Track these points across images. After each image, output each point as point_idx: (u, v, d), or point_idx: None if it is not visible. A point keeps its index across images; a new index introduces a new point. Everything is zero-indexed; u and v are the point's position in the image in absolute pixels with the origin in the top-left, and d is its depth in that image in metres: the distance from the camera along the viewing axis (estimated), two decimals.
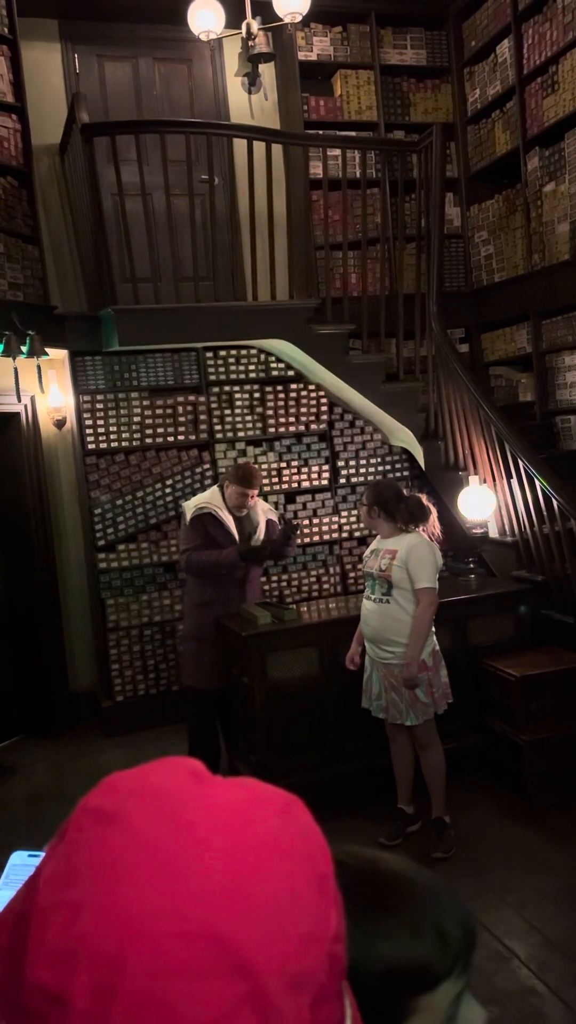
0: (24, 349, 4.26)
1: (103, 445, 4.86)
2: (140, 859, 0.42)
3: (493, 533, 4.46)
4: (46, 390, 4.84)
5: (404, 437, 5.15)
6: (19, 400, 4.62)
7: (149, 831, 0.43)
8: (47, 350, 4.39)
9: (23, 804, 4.06)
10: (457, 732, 3.74)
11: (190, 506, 3.93)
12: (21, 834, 3.70)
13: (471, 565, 4.29)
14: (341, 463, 5.30)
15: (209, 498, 3.94)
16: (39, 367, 4.49)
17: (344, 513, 5.29)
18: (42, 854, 0.47)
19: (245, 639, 3.75)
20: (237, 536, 3.88)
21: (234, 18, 4.37)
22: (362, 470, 5.33)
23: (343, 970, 0.43)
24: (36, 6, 5.03)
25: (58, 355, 4.79)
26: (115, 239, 4.73)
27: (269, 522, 4.06)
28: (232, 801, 0.46)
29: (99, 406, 4.84)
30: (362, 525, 5.19)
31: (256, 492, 3.91)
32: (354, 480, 5.31)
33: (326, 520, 5.26)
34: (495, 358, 5.81)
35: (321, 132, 5.39)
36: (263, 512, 4.06)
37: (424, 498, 3.48)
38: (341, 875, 0.67)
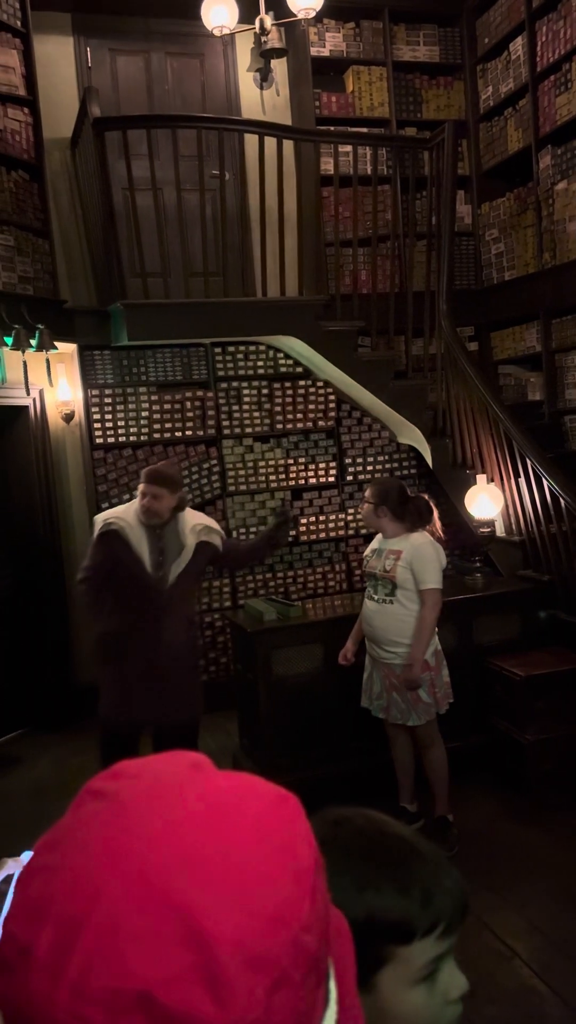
0: (33, 343, 4.27)
1: (111, 439, 4.86)
2: (118, 830, 0.45)
3: (500, 532, 4.45)
4: (55, 384, 4.84)
5: (412, 435, 5.15)
6: (28, 393, 4.63)
7: (135, 807, 0.46)
8: (56, 344, 4.40)
9: (26, 797, 4.08)
10: (461, 731, 3.73)
11: (98, 520, 3.35)
12: (24, 827, 3.71)
13: (477, 564, 4.29)
14: (348, 460, 5.30)
15: (122, 512, 3.33)
16: (48, 361, 4.50)
17: (351, 510, 5.29)
18: None
19: (250, 635, 3.75)
20: (148, 560, 3.23)
21: (247, 13, 4.36)
22: (369, 467, 5.32)
23: (312, 964, 0.44)
24: None
25: (67, 349, 4.79)
26: (125, 234, 4.73)
27: (203, 546, 3.33)
28: (224, 789, 0.48)
29: (107, 400, 4.85)
30: None
31: (166, 493, 3.22)
32: (361, 477, 5.30)
33: (332, 517, 5.25)
34: (504, 357, 5.80)
35: (333, 128, 5.38)
36: (193, 531, 3.32)
37: (427, 498, 3.47)
38: (346, 829, 0.72)
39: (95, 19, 5.33)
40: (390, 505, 3.33)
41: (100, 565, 3.26)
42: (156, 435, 4.95)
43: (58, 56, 5.24)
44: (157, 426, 4.94)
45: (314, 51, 5.47)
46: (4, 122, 4.61)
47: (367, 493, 3.43)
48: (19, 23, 4.74)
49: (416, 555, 3.26)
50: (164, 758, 0.52)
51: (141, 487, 3.26)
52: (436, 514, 3.42)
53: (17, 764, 4.51)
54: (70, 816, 0.48)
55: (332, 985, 0.48)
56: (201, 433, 5.04)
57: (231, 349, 5.06)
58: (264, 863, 0.44)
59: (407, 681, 3.22)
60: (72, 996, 0.39)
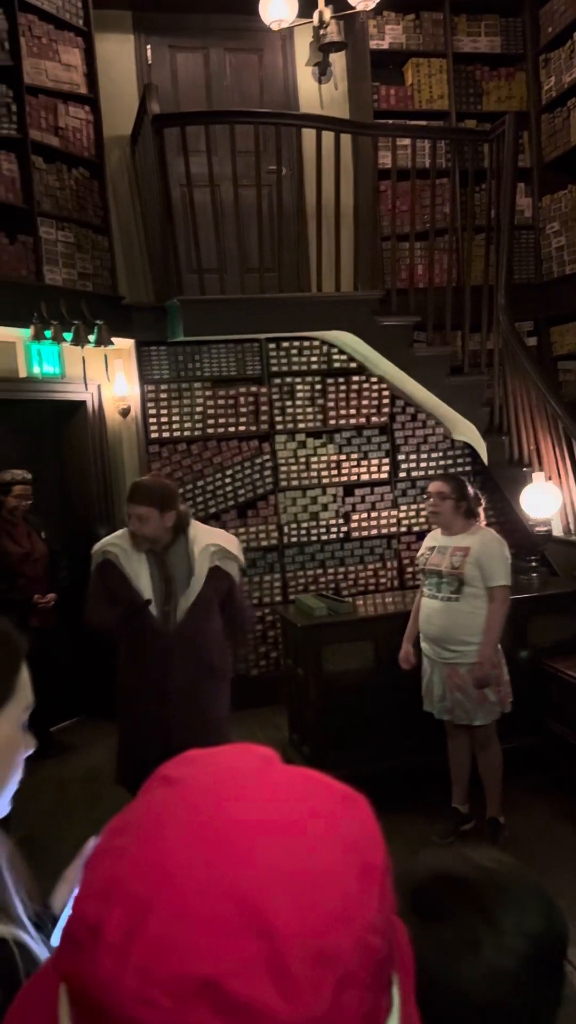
0: (92, 338, 4.34)
1: (165, 434, 4.92)
2: (185, 817, 0.45)
3: (557, 531, 4.36)
4: (112, 379, 4.92)
5: (467, 431, 5.08)
6: (86, 388, 4.72)
7: (202, 795, 0.47)
8: (113, 339, 4.46)
9: (80, 783, 4.16)
10: (515, 733, 3.67)
11: (95, 549, 2.89)
12: (79, 812, 3.79)
13: (533, 564, 4.21)
14: (401, 457, 5.26)
15: (119, 537, 2.83)
16: (106, 356, 4.57)
17: (403, 507, 5.25)
18: None
19: (301, 630, 3.76)
20: (152, 593, 2.72)
21: (306, 7, 4.35)
22: (423, 464, 5.27)
23: (378, 966, 0.44)
24: None
25: (124, 345, 4.86)
26: (183, 230, 4.77)
27: (217, 573, 2.76)
28: (295, 783, 0.49)
29: (163, 396, 4.90)
30: (422, 519, 5.14)
31: (154, 513, 2.68)
32: (414, 474, 5.25)
33: (384, 514, 5.22)
34: (564, 352, 5.67)
35: (391, 122, 5.33)
36: (205, 554, 2.74)
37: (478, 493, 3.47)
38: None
39: (155, 17, 5.38)
40: (468, 501, 3.31)
41: (100, 604, 2.80)
42: (210, 430, 4.98)
43: (119, 54, 5.31)
44: (211, 421, 4.98)
45: (373, 44, 5.43)
46: (66, 120, 4.69)
47: (441, 488, 3.33)
48: (81, 22, 4.81)
49: (485, 551, 3.22)
50: (235, 749, 0.52)
51: (128, 506, 2.75)
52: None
53: (73, 751, 4.60)
54: (140, 801, 0.48)
55: (396, 992, 0.47)
56: (254, 428, 5.06)
57: (285, 344, 5.07)
58: (334, 861, 0.44)
59: (477, 680, 3.18)
60: (139, 979, 0.40)
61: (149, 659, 2.71)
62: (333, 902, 0.42)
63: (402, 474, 5.26)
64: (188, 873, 0.42)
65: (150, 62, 5.41)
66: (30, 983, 0.54)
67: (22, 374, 4.60)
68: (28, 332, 4.17)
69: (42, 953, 0.80)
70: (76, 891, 0.45)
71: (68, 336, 4.26)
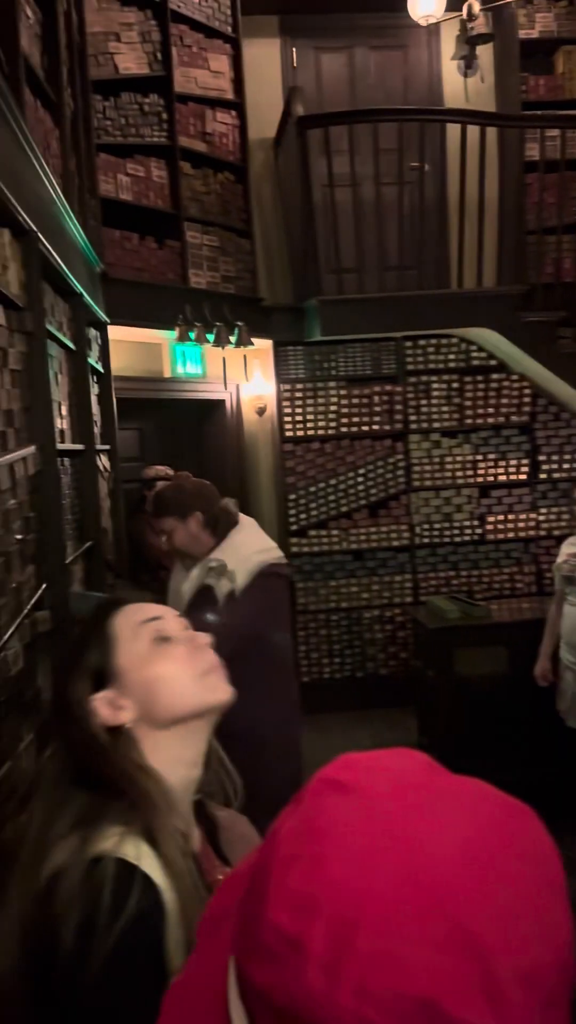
0: (232, 339, 4.45)
1: (300, 433, 4.98)
2: (379, 826, 0.44)
3: None
4: (250, 378, 5.03)
5: None
6: (225, 388, 4.85)
7: (386, 804, 0.45)
8: (253, 340, 4.56)
9: None
10: None
11: None
12: None
13: None
14: (543, 457, 5.08)
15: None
16: (245, 357, 4.67)
17: (543, 510, 5.08)
18: None
19: (432, 632, 3.72)
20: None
21: (454, 0, 4.28)
22: (565, 465, 5.08)
23: (572, 984, 0.43)
24: (258, 3, 5.20)
25: (263, 345, 4.95)
26: (323, 230, 4.81)
27: (206, 593, 2.27)
28: (467, 793, 0.47)
29: (298, 395, 4.96)
30: (563, 523, 4.96)
31: (176, 523, 2.40)
32: (556, 476, 5.07)
33: (522, 516, 5.07)
34: None
35: (540, 112, 5.16)
36: (200, 569, 2.34)
37: None
38: None
39: (301, 19, 5.44)
40: None
41: None
42: (343, 429, 5.01)
43: (265, 58, 5.40)
44: (345, 420, 5.00)
45: (522, 33, 5.26)
46: (213, 126, 4.83)
47: None
48: (230, 29, 4.94)
49: None
50: (395, 755, 0.51)
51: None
52: None
53: None
54: (313, 805, 0.47)
55: None
56: (388, 427, 5.04)
57: (422, 342, 5.02)
58: (525, 877, 0.43)
59: None
60: (354, 996, 0.39)
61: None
62: (532, 921, 0.41)
63: (543, 476, 5.09)
64: (392, 887, 0.41)
65: (295, 65, 5.48)
66: (187, 974, 0.54)
67: (167, 374, 4.79)
68: (173, 334, 4.33)
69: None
70: (266, 898, 0.44)
71: (210, 337, 4.39)
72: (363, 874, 0.41)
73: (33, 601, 2.14)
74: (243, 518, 2.49)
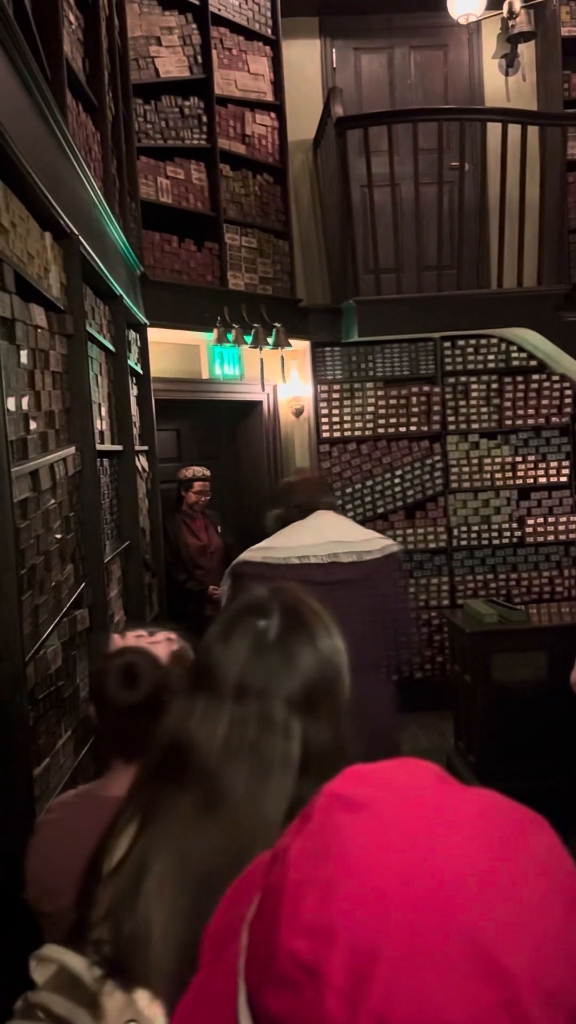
0: (270, 341, 4.46)
1: (336, 434, 4.97)
2: (393, 848, 0.42)
3: None
4: (287, 379, 5.03)
5: None
6: (263, 389, 4.86)
7: (401, 824, 0.43)
8: (290, 341, 4.56)
9: None
10: None
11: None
12: None
13: None
14: None
15: None
16: (282, 358, 4.68)
17: None
18: None
19: (469, 636, 3.68)
20: None
21: None
22: None
23: None
24: (298, 5, 5.21)
25: (300, 346, 4.95)
26: (361, 231, 4.79)
27: None
28: (482, 808, 0.46)
29: (335, 396, 4.95)
30: None
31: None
32: None
33: (563, 519, 5.00)
34: None
35: None
36: None
37: None
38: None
39: (341, 20, 5.44)
40: None
41: None
42: (380, 430, 4.98)
43: (305, 60, 5.41)
44: (382, 421, 4.98)
45: (565, 31, 5.19)
46: (252, 128, 4.85)
47: None
48: (270, 31, 4.95)
49: None
50: (403, 766, 0.50)
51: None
52: None
53: None
54: (322, 822, 0.45)
55: None
56: (425, 428, 5.00)
57: (460, 343, 4.97)
58: (546, 895, 0.42)
59: None
60: None
61: None
62: (554, 938, 0.40)
63: None
64: (410, 912, 0.40)
65: (334, 66, 5.47)
66: (194, 994, 0.52)
67: (204, 376, 4.81)
68: (211, 335, 4.35)
69: None
70: (279, 924, 0.42)
71: (248, 339, 4.40)
72: (380, 900, 0.40)
73: (72, 599, 2.17)
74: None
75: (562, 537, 5.00)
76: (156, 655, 1.20)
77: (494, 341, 4.97)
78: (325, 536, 2.47)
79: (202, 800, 0.84)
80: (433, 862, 0.41)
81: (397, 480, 4.99)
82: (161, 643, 1.21)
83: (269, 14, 4.96)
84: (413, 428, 5.00)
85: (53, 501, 2.03)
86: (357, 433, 4.99)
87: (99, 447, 2.60)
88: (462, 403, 5.00)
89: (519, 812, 0.46)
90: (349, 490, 4.96)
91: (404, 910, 0.40)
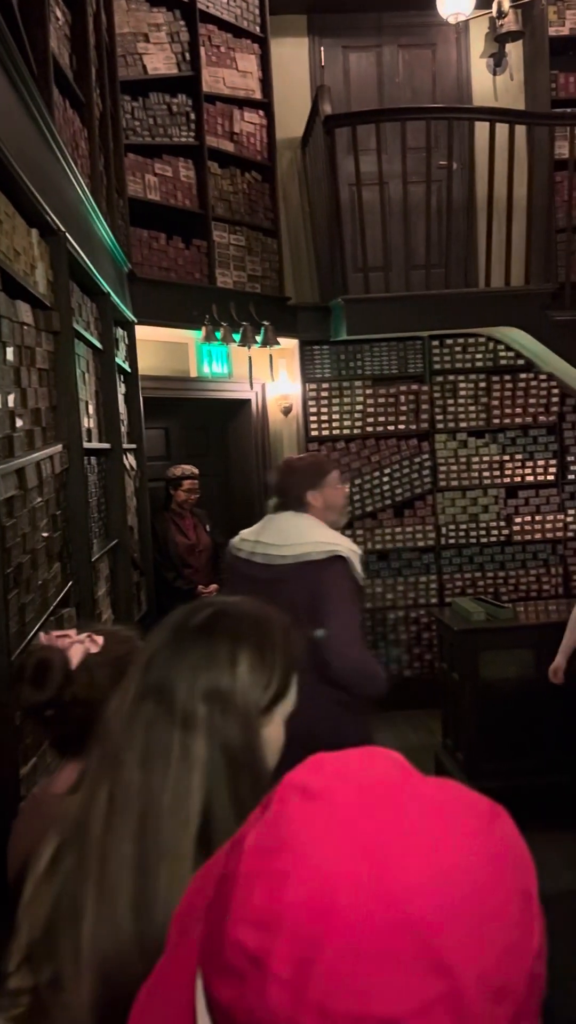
0: (258, 339, 4.45)
1: (325, 432, 4.97)
2: (345, 839, 0.42)
3: None
4: (275, 378, 5.03)
5: None
6: (251, 387, 4.85)
7: (354, 814, 0.43)
8: (279, 340, 4.56)
9: None
10: None
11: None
12: None
13: None
14: (571, 458, 5.03)
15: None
16: (271, 356, 4.67)
17: (571, 511, 5.02)
18: None
19: (457, 634, 3.69)
20: None
21: None
22: None
23: (541, 992, 0.42)
24: (287, 2, 5.20)
25: (288, 344, 4.95)
26: (350, 229, 4.79)
27: None
28: (439, 799, 0.46)
29: (324, 394, 4.96)
30: None
31: None
32: None
33: (550, 518, 5.02)
34: None
35: (570, 110, 5.10)
36: None
37: None
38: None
39: (329, 18, 5.44)
40: None
41: None
42: (369, 428, 4.99)
43: (293, 58, 5.40)
44: (371, 419, 4.98)
45: (552, 31, 5.20)
46: (240, 125, 4.84)
47: None
48: (258, 29, 4.94)
49: None
50: (364, 755, 0.49)
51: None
52: None
53: None
54: (278, 812, 0.45)
55: None
56: (414, 427, 5.01)
57: (449, 342, 4.98)
58: (495, 889, 0.41)
59: None
60: (317, 1018, 0.38)
61: None
62: (503, 932, 0.40)
63: (571, 476, 5.04)
64: (357, 904, 0.40)
65: (323, 64, 5.47)
66: (158, 977, 0.52)
67: (193, 374, 4.80)
68: (200, 333, 4.34)
69: None
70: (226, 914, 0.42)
71: (236, 337, 4.40)
72: (327, 891, 0.40)
73: (59, 598, 2.16)
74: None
75: (549, 535, 5.03)
76: (68, 655, 1.17)
77: (482, 340, 4.98)
78: (259, 535, 2.44)
79: (109, 793, 0.81)
80: (384, 856, 0.41)
81: (386, 479, 4.99)
82: (78, 643, 1.19)
83: (257, 12, 4.95)
84: (401, 427, 5.01)
85: (40, 499, 2.02)
86: (346, 432, 4.99)
87: (86, 445, 2.59)
88: (450, 402, 5.01)
89: (478, 804, 0.46)
90: None
91: (350, 900, 0.40)
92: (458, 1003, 0.38)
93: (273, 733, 0.88)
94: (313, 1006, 0.38)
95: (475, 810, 0.45)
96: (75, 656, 1.17)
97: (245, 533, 2.53)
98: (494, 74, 4.35)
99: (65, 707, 1.12)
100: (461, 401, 5.01)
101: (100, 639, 1.20)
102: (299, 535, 2.33)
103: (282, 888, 0.41)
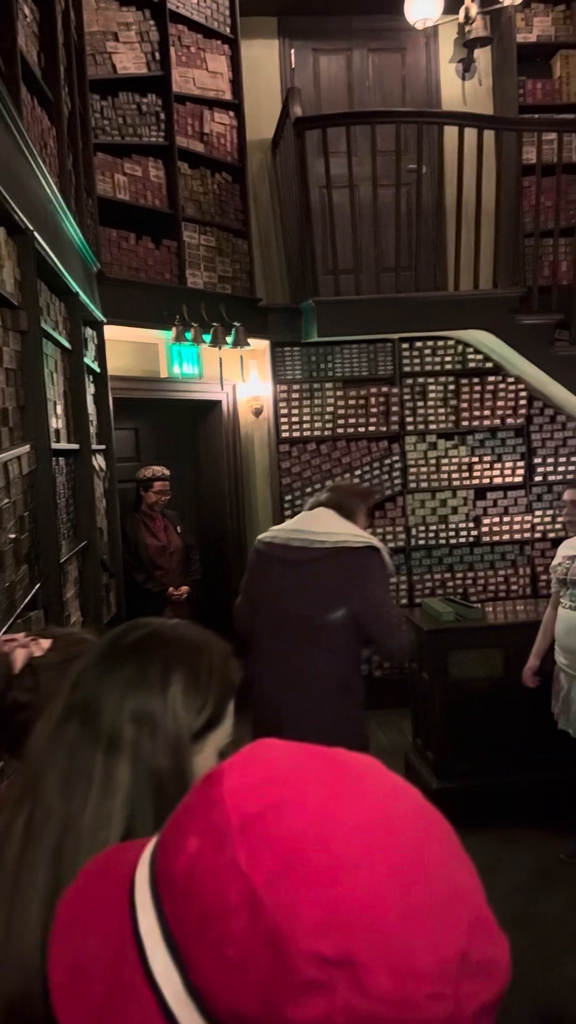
0: (229, 340, 4.45)
1: (296, 434, 4.98)
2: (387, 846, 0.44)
3: None
4: (246, 379, 5.02)
5: None
6: (222, 388, 4.84)
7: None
8: (249, 341, 4.55)
9: None
10: None
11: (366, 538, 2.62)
12: None
13: None
14: (538, 460, 5.09)
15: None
16: (242, 357, 4.67)
17: (538, 512, 5.08)
18: None
19: (427, 634, 3.71)
20: None
21: (451, 4, 4.29)
22: (560, 468, 5.09)
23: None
24: (257, 4, 5.20)
25: (259, 346, 4.95)
26: (320, 231, 4.81)
27: None
28: (392, 796, 0.48)
29: (295, 396, 4.96)
30: (559, 525, 4.97)
31: None
32: (551, 478, 5.08)
33: (518, 519, 5.08)
34: None
35: (537, 116, 5.17)
36: None
37: None
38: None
39: (300, 21, 5.45)
40: None
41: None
42: (340, 430, 5.01)
43: (263, 59, 5.41)
44: (341, 421, 5.00)
45: (520, 37, 5.27)
46: (211, 126, 4.83)
47: None
48: (228, 30, 4.94)
49: None
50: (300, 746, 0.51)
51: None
52: None
53: None
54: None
55: None
56: (384, 429, 5.04)
57: (418, 344, 5.02)
58: (452, 864, 0.45)
59: None
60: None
61: None
62: (463, 914, 0.44)
63: (538, 478, 5.10)
64: (395, 882, 0.43)
65: (293, 66, 5.48)
66: (83, 883, 0.52)
67: (163, 374, 4.78)
68: (170, 334, 4.33)
69: None
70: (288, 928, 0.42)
71: (207, 338, 4.38)
72: (367, 865, 0.43)
73: (27, 601, 2.14)
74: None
75: (517, 536, 5.08)
76: (12, 659, 1.16)
77: (451, 343, 5.02)
78: (297, 524, 2.69)
79: (28, 816, 0.77)
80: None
81: (356, 480, 5.01)
82: (21, 647, 1.17)
83: (228, 13, 4.95)
84: (372, 428, 5.03)
85: (7, 500, 2.00)
86: (316, 433, 5.00)
87: (55, 446, 2.57)
88: (420, 404, 5.05)
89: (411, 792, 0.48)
90: (308, 490, 4.97)
91: (384, 877, 0.42)
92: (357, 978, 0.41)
93: (205, 762, 0.83)
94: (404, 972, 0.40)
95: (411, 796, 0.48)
96: (19, 659, 1.15)
97: (275, 528, 2.80)
98: (463, 79, 4.39)
99: (7, 711, 1.10)
100: (430, 403, 5.05)
101: (46, 643, 1.18)
102: (340, 527, 2.59)
103: (332, 885, 0.41)
